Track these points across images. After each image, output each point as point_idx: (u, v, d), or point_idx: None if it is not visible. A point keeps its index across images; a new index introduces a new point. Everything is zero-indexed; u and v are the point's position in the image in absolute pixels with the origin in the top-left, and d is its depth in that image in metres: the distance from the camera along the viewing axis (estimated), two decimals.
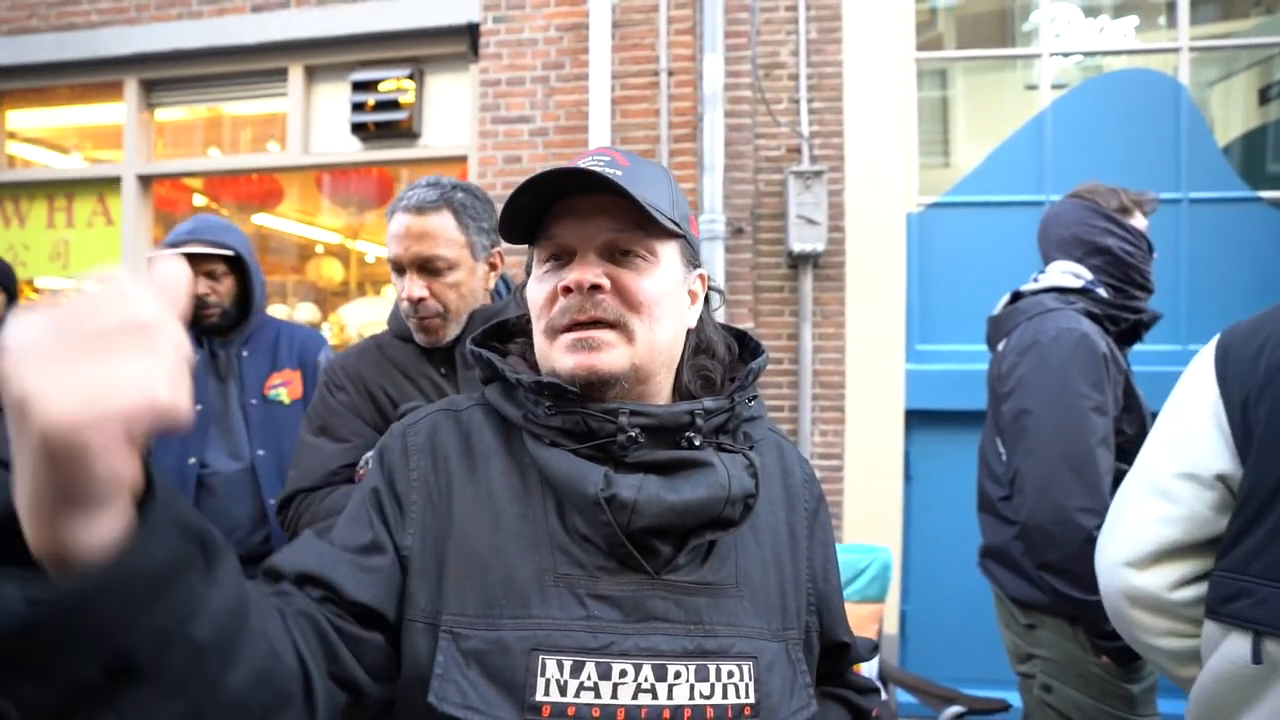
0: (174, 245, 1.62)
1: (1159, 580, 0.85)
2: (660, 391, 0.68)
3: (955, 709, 1.69)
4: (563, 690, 0.56)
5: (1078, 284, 1.43)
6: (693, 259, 0.71)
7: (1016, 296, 1.54)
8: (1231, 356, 0.85)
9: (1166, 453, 0.87)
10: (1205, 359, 0.88)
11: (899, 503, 2.88)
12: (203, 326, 1.68)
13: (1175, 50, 2.93)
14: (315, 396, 1.23)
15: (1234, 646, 0.77)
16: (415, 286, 1.10)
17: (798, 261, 2.88)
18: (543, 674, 0.56)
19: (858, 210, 2.90)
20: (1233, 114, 3.13)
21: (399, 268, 1.13)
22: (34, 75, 3.46)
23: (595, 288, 0.62)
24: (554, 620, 0.58)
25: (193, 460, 1.65)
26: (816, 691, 0.72)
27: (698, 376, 0.71)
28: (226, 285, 1.67)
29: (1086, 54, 3.16)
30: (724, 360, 0.73)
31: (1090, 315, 1.39)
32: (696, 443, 0.63)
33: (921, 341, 2.96)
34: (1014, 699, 1.63)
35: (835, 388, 2.92)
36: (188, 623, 0.37)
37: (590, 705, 0.56)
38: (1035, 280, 1.52)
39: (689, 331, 0.70)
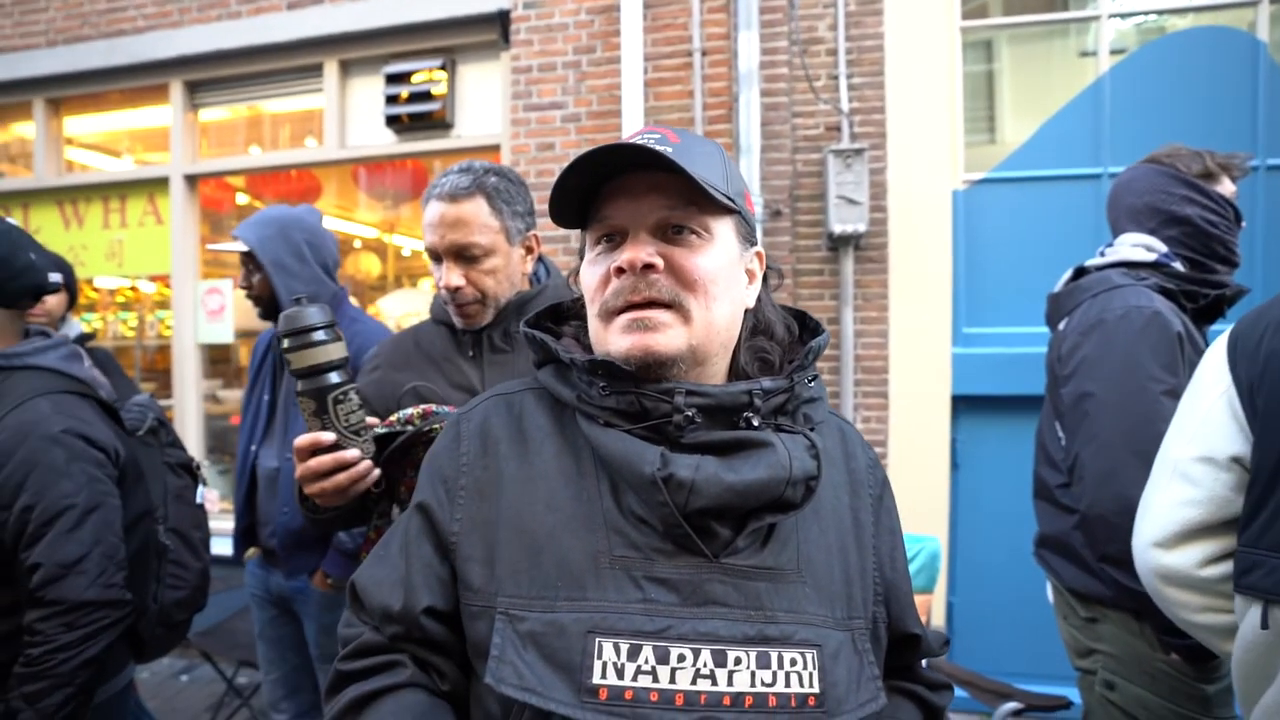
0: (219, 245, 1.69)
1: (1187, 559, 0.90)
2: (717, 373, 0.66)
3: (1012, 705, 1.62)
4: (620, 673, 0.55)
5: (1150, 258, 1.33)
6: (749, 236, 0.69)
7: (1080, 272, 1.45)
8: (1239, 345, 0.89)
9: (1186, 438, 0.92)
10: (1219, 348, 0.93)
11: (945, 491, 2.79)
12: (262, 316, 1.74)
13: (1253, 4, 2.72)
14: None
15: (1254, 616, 0.82)
16: (452, 275, 1.10)
17: (838, 243, 2.79)
18: (599, 656, 0.56)
19: (901, 189, 2.79)
20: None
21: (435, 256, 1.12)
22: (88, 82, 3.59)
23: (649, 267, 0.61)
24: (610, 603, 0.58)
25: (254, 448, 1.72)
26: (886, 686, 0.69)
27: (755, 358, 0.68)
28: (258, 277, 1.68)
29: (1152, 13, 2.95)
30: (783, 341, 0.70)
31: (1164, 291, 1.29)
32: (755, 423, 0.62)
33: (969, 324, 2.85)
34: (1069, 693, 1.56)
35: (878, 373, 2.83)
36: None
37: (648, 690, 0.55)
38: (1102, 254, 1.42)
39: (746, 311, 0.68)
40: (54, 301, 2.07)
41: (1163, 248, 1.33)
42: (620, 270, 0.62)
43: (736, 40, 2.72)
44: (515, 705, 0.56)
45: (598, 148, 0.60)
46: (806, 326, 0.73)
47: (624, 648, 0.56)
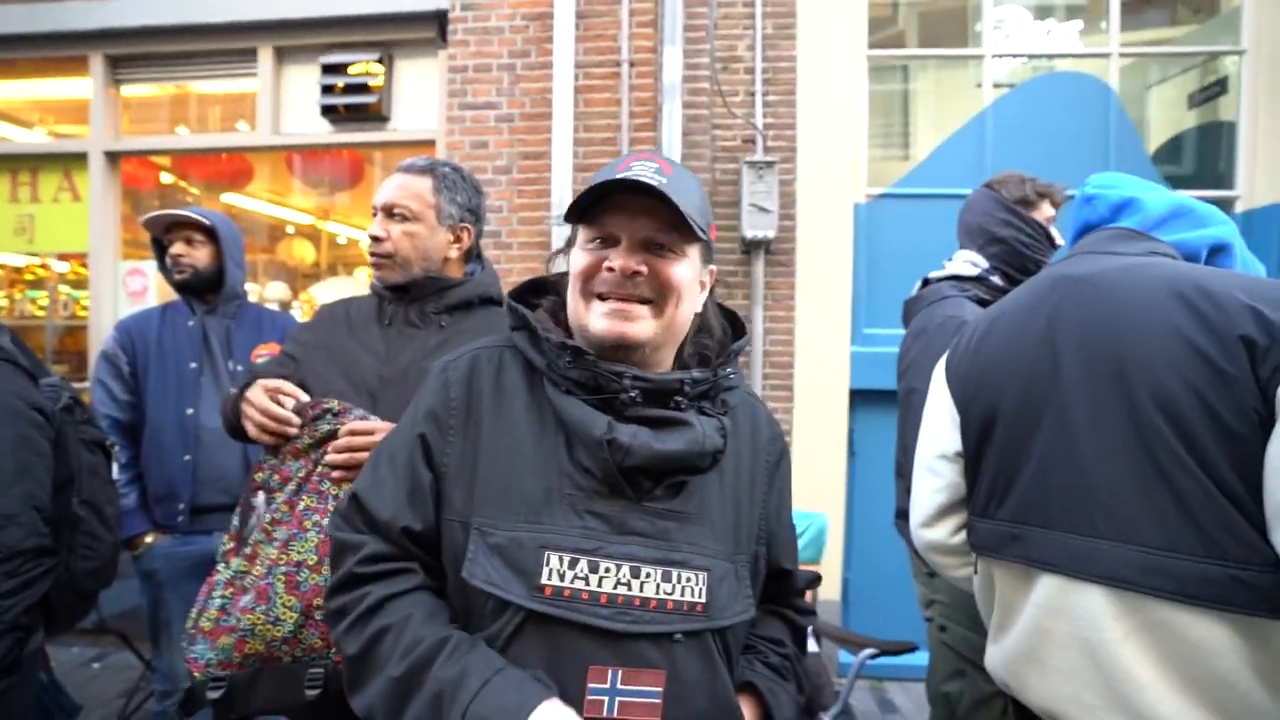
0: (160, 213, 1.88)
1: (942, 532, 1.14)
2: (665, 360, 0.85)
3: (869, 650, 1.88)
4: (562, 578, 0.75)
5: (974, 272, 1.58)
6: (709, 257, 0.87)
7: (926, 283, 1.70)
8: (950, 367, 1.13)
9: (929, 441, 1.15)
10: (940, 372, 1.17)
11: (843, 476, 3.07)
12: (178, 284, 1.93)
13: (1106, 55, 3.12)
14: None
15: (977, 565, 1.08)
16: (376, 226, 1.25)
17: (750, 248, 3.03)
18: (547, 565, 0.75)
19: (808, 199, 3.05)
20: (1165, 117, 3.33)
21: (374, 212, 1.28)
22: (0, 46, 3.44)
23: (636, 273, 0.78)
24: (558, 527, 0.76)
25: (190, 411, 1.88)
26: (763, 608, 0.92)
27: (696, 352, 0.88)
28: (203, 252, 1.92)
29: (1022, 55, 3.33)
30: (719, 340, 0.90)
31: (983, 301, 1.53)
32: (682, 405, 0.81)
33: (867, 325, 3.13)
34: (921, 641, 1.82)
35: (785, 368, 3.08)
36: None
37: (581, 590, 0.74)
38: (943, 267, 1.67)
39: (695, 314, 0.86)
40: None
41: (985, 263, 1.58)
42: (612, 269, 0.78)
43: (662, 54, 2.91)
44: (482, 596, 0.75)
45: (615, 179, 0.76)
46: (736, 327, 0.93)
47: (566, 559, 0.75)
